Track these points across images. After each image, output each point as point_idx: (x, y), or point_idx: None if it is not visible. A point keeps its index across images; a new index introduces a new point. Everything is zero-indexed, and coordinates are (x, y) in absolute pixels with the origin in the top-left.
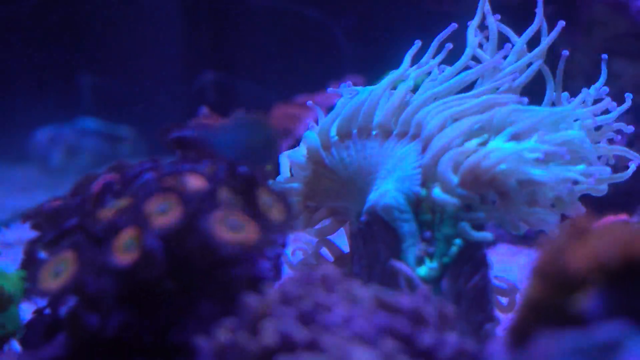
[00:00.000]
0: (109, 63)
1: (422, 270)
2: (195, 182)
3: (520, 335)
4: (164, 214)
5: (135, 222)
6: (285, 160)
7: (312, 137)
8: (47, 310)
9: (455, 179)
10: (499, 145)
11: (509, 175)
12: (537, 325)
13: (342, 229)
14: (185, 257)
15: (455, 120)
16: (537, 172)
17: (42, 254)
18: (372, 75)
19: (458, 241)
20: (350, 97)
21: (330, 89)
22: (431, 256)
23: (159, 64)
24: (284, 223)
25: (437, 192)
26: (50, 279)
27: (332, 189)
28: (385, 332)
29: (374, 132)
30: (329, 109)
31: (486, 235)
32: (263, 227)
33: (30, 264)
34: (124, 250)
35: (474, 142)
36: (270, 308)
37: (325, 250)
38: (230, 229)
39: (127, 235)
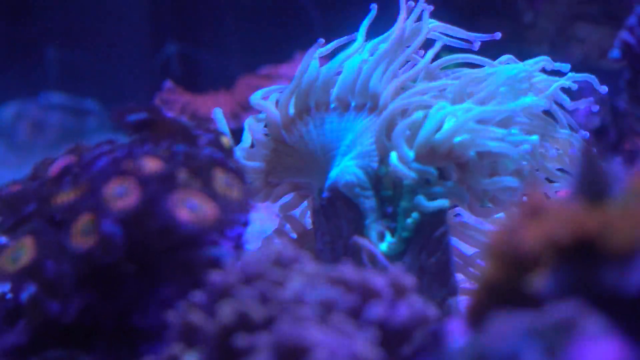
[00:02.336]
0: (74, 36)
1: (384, 246)
2: (152, 165)
3: (477, 315)
4: (122, 197)
5: (93, 207)
6: (247, 128)
7: (272, 113)
8: (9, 295)
9: (410, 154)
10: (446, 112)
11: (467, 147)
12: (492, 305)
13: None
14: (145, 239)
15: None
16: (495, 144)
17: (2, 239)
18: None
19: (415, 214)
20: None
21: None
22: (393, 232)
23: (123, 37)
24: (242, 202)
25: (394, 159)
26: (9, 264)
27: (293, 165)
28: (333, 307)
29: (332, 105)
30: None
31: (441, 203)
32: (221, 206)
33: None
34: (82, 235)
35: (421, 112)
36: (233, 288)
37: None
38: (189, 209)
39: (85, 220)
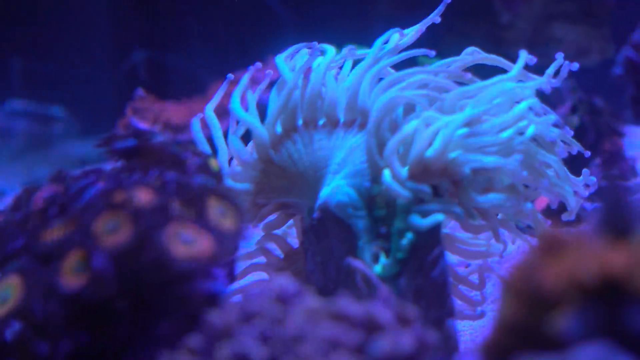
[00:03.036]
0: (39, 44)
1: (378, 268)
2: (144, 196)
3: (496, 355)
4: (114, 232)
5: (83, 243)
6: (224, 146)
7: (260, 133)
8: None
9: (404, 173)
10: (437, 127)
11: (462, 165)
12: (513, 346)
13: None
14: (139, 276)
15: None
16: (489, 160)
17: None
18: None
19: (409, 235)
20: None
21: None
22: (387, 252)
23: (89, 44)
24: (237, 232)
25: (387, 178)
26: None
27: (282, 185)
28: (337, 345)
29: (320, 123)
30: (269, 84)
31: (436, 219)
32: (217, 238)
33: None
34: (73, 274)
35: (412, 124)
36: (233, 328)
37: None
38: (183, 243)
39: (75, 257)
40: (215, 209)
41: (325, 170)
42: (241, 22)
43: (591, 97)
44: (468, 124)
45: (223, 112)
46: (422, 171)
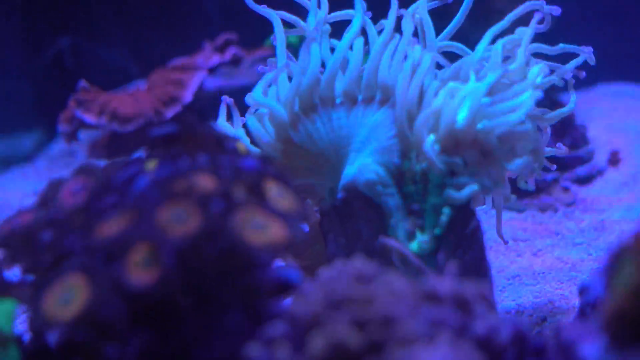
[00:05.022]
0: None
1: (414, 245)
2: (206, 182)
3: (626, 326)
4: (182, 222)
5: (149, 235)
6: (241, 130)
7: (279, 112)
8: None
9: (436, 146)
10: (462, 97)
11: (489, 133)
12: None
13: None
14: (210, 267)
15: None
16: (514, 117)
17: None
18: (247, 30)
19: (447, 210)
20: (305, 62)
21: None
22: (422, 229)
23: (5, 30)
24: (299, 213)
25: (429, 149)
26: (59, 308)
27: (303, 166)
28: (439, 327)
29: (338, 101)
30: (212, 69)
31: (471, 188)
32: (286, 222)
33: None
34: (142, 268)
35: (440, 97)
36: (322, 316)
37: None
38: (256, 230)
39: (141, 251)
40: (274, 192)
41: (347, 149)
42: (170, 9)
43: None
44: (489, 92)
45: (169, 101)
46: (453, 143)
